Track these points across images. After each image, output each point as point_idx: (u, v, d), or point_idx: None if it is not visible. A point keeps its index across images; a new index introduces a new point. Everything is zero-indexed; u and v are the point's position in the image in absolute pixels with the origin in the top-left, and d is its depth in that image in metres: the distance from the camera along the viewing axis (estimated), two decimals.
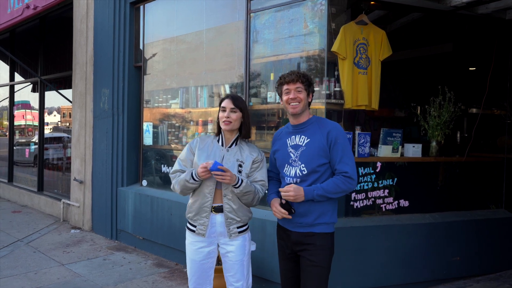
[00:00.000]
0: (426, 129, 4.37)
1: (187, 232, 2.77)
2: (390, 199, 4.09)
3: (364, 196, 3.98)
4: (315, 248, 2.53)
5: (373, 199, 4.02)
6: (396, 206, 4.11)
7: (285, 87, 2.59)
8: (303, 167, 2.54)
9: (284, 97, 2.60)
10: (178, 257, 5.01)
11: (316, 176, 2.53)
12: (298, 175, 2.55)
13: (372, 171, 4.02)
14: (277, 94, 4.21)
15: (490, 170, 4.66)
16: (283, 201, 2.52)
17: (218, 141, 2.76)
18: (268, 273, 4.04)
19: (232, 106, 2.67)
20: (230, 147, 2.73)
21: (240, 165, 2.67)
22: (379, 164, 4.02)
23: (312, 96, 2.65)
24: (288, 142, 2.64)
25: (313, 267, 2.52)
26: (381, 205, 4.05)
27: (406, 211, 4.14)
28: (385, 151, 4.07)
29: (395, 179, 4.09)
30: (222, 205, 2.67)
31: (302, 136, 2.59)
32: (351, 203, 3.95)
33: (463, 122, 5.26)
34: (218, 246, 2.77)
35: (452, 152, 4.58)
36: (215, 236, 2.71)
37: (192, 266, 2.75)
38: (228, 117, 2.66)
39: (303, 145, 2.56)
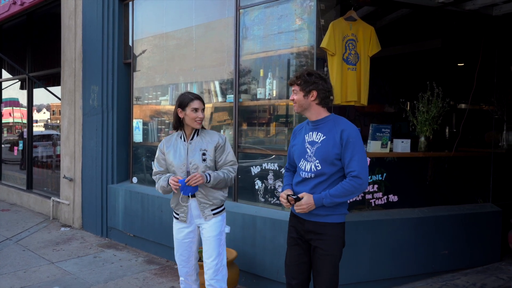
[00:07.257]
0: (415, 125, 4.40)
1: (173, 219, 3.16)
2: (380, 194, 4.12)
3: None
4: (327, 237, 2.62)
5: (362, 194, 4.04)
6: (386, 201, 4.15)
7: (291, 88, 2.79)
8: (317, 163, 2.62)
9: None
10: (169, 254, 5.00)
11: (330, 173, 2.61)
12: (313, 170, 2.64)
13: None
14: (266, 91, 4.25)
15: (478, 165, 4.71)
16: (294, 197, 2.65)
17: (181, 137, 3.07)
18: (259, 269, 4.05)
19: (203, 107, 3.02)
20: (192, 139, 3.03)
21: (203, 154, 2.99)
22: (368, 160, 4.04)
23: (317, 93, 2.64)
24: (306, 137, 2.72)
25: (326, 256, 2.62)
26: (371, 200, 4.08)
27: (395, 206, 4.18)
28: (374, 146, 4.10)
29: (385, 174, 4.12)
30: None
31: (319, 133, 2.67)
32: None
33: (452, 118, 5.31)
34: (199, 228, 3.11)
35: (441, 147, 4.63)
36: (194, 219, 3.07)
37: (176, 243, 3.14)
38: (201, 117, 2.98)
39: (319, 142, 2.64)
